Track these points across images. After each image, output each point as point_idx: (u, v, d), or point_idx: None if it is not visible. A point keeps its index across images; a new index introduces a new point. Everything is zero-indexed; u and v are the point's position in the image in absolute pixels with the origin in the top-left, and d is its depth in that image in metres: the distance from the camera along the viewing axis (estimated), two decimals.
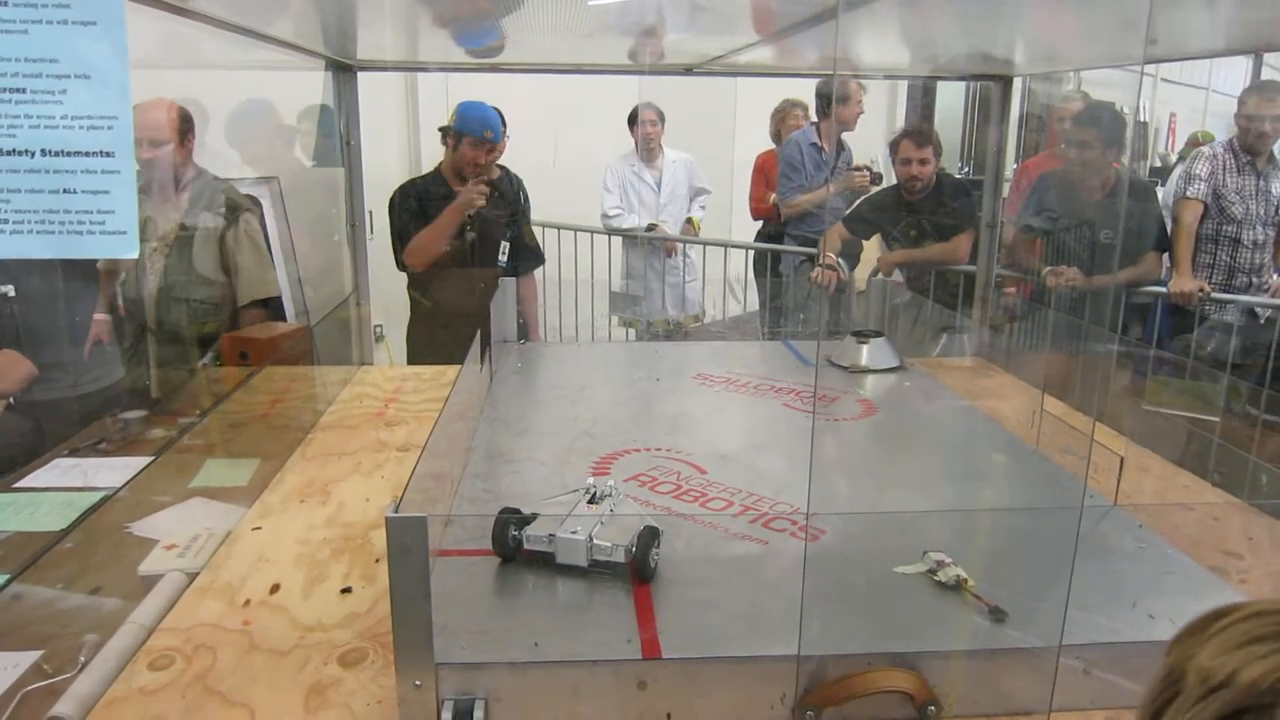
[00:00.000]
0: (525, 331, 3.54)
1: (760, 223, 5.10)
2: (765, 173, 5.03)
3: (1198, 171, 3.77)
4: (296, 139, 4.09)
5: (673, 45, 2.46)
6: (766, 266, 4.85)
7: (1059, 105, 4.13)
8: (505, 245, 3.49)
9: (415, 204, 3.36)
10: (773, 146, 5.06)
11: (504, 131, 3.81)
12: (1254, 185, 3.72)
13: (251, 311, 2.95)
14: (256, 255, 2.96)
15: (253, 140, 3.99)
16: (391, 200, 3.39)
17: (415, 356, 3.49)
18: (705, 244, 5.11)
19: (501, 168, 3.79)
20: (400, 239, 3.37)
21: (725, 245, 5.21)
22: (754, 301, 5.11)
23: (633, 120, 4.89)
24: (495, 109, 3.69)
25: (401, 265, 3.39)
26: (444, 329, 3.40)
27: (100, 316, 2.78)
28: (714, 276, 5.12)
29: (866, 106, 4.51)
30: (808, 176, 4.50)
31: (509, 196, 3.59)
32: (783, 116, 5.00)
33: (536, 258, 3.83)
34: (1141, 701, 0.55)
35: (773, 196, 4.79)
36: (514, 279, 2.94)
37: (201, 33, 1.91)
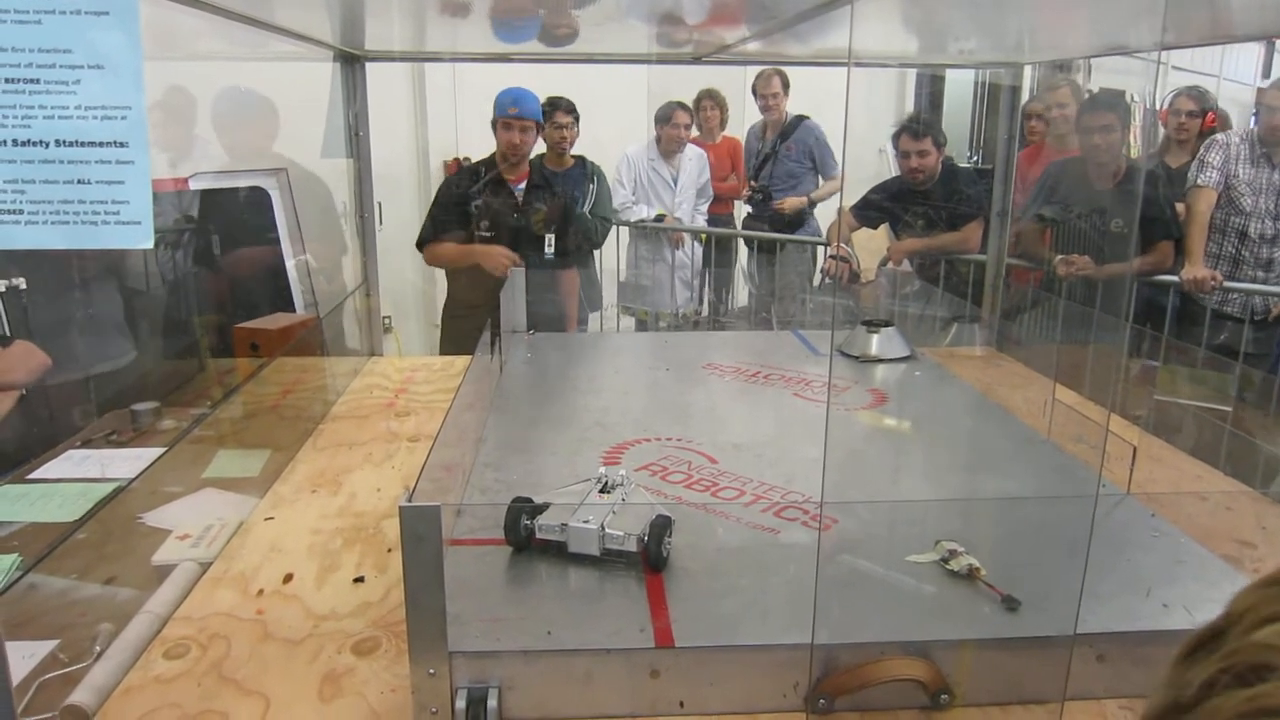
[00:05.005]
0: (563, 324, 3.58)
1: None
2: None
3: (1210, 159, 3.72)
4: (305, 130, 4.09)
5: (681, 33, 2.45)
6: (711, 256, 4.99)
7: (1045, 95, 4.10)
8: (550, 239, 3.50)
9: (455, 194, 3.43)
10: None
11: (571, 121, 3.88)
12: (1266, 178, 3.68)
13: None
14: None
15: (260, 131, 3.99)
16: (441, 185, 3.47)
17: (449, 346, 3.53)
18: (715, 234, 5.09)
19: (577, 158, 3.89)
20: (430, 225, 3.42)
21: (732, 235, 5.20)
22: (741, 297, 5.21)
23: (663, 119, 4.86)
24: (566, 99, 3.83)
25: (420, 245, 3.46)
26: (472, 319, 3.43)
27: None
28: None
29: (859, 99, 4.54)
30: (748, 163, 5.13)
31: (558, 191, 3.62)
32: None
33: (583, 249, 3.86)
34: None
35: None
36: (523, 269, 2.95)
37: (209, 24, 1.90)
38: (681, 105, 4.85)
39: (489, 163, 3.51)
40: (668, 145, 4.88)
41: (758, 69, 4.84)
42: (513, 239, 3.42)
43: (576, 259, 3.83)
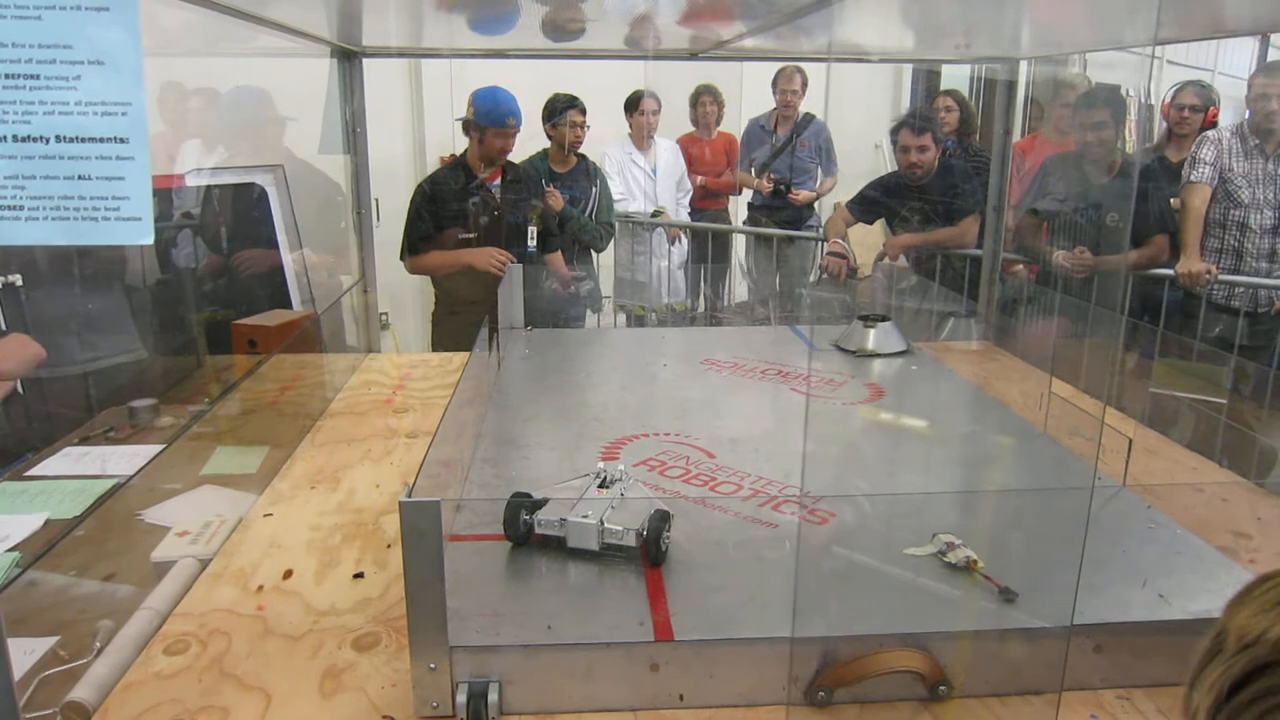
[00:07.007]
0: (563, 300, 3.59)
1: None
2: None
3: (1202, 156, 3.73)
4: (301, 126, 4.07)
5: (678, 30, 2.45)
6: (708, 251, 4.97)
7: (1063, 89, 4.09)
8: (533, 231, 3.49)
9: (432, 201, 3.38)
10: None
11: (581, 120, 3.88)
12: (1262, 169, 3.68)
13: None
14: None
15: (256, 127, 3.98)
16: (414, 193, 3.41)
17: (440, 343, 3.51)
18: (710, 229, 5.10)
19: (579, 156, 3.87)
20: (408, 236, 3.38)
21: (729, 230, 5.20)
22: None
23: (631, 106, 4.88)
24: (573, 96, 3.80)
25: (403, 258, 3.42)
26: (468, 315, 3.42)
27: None
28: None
29: (856, 94, 4.57)
30: (751, 155, 5.08)
31: (532, 183, 3.60)
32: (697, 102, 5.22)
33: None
34: (1192, 658, 0.59)
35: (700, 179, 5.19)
36: (520, 266, 2.95)
37: (206, 19, 1.90)
38: (648, 93, 4.86)
39: (463, 165, 3.46)
40: (638, 132, 4.88)
41: (754, 65, 4.85)
42: (494, 237, 3.40)
43: (574, 258, 3.83)
